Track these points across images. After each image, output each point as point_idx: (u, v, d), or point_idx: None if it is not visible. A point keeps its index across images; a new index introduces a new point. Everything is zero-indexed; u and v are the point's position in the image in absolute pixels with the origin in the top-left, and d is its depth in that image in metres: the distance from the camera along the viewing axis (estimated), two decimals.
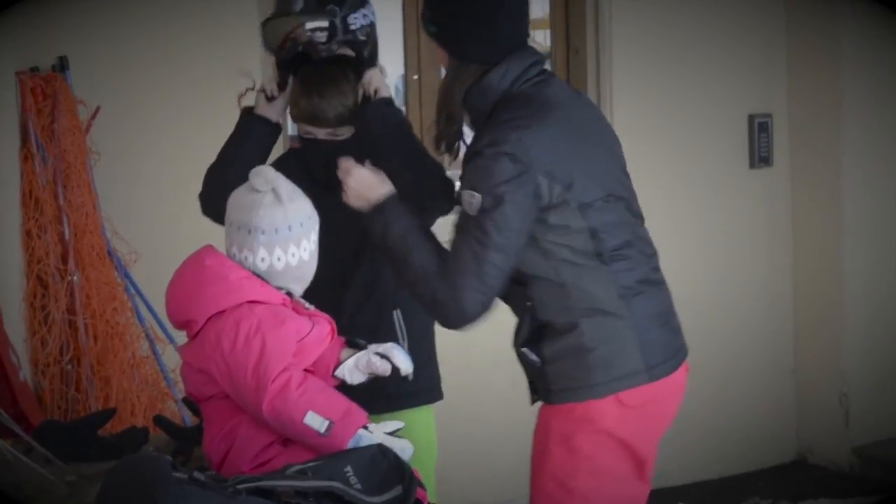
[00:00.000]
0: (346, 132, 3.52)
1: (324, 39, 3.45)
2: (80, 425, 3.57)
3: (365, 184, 3.24)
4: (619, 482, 3.21)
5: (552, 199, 3.07)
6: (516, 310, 3.22)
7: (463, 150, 3.27)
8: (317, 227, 3.10)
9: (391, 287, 3.56)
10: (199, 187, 3.67)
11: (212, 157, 5.11)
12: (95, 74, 5.16)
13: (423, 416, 3.67)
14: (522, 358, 3.22)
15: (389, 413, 3.34)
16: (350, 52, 3.52)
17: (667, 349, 3.22)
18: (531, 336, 3.18)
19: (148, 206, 5.25)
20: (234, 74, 5.20)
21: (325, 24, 3.43)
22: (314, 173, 3.53)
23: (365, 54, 3.52)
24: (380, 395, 3.31)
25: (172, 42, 5.28)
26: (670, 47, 6.09)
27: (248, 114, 3.62)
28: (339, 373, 3.11)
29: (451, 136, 3.28)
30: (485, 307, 3.13)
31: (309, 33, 3.44)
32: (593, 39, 6.01)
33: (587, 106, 3.39)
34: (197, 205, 3.66)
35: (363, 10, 3.51)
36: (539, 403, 3.28)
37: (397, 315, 3.61)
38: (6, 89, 4.84)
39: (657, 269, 3.28)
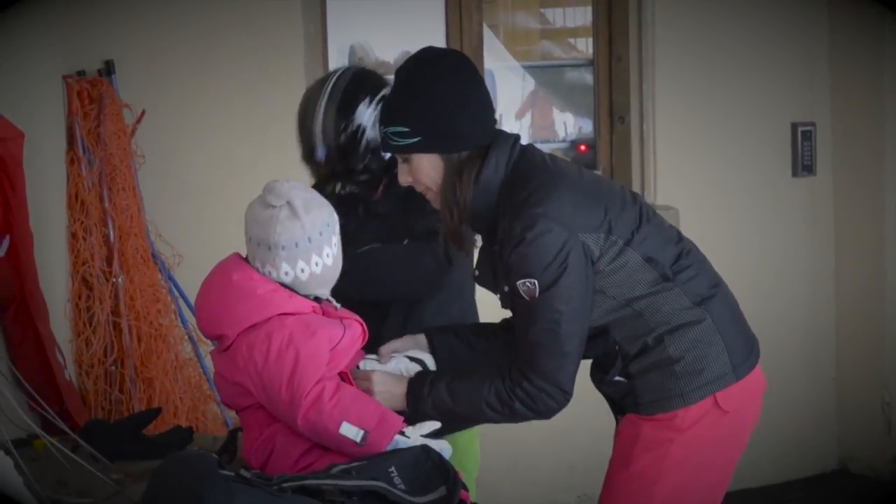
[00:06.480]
0: None
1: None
2: (125, 424, 3.60)
3: (387, 386, 3.16)
4: (702, 488, 3.21)
5: (601, 248, 3.06)
6: (605, 357, 3.17)
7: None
8: (337, 229, 3.05)
9: (428, 314, 3.57)
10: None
11: (255, 160, 5.18)
12: (141, 78, 5.20)
13: (471, 435, 3.66)
14: (609, 386, 3.18)
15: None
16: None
17: (745, 345, 3.21)
18: (622, 367, 3.15)
19: (192, 209, 5.28)
20: (276, 79, 5.29)
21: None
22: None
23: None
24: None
25: (217, 47, 5.31)
26: (713, 55, 6.08)
27: None
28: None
29: (464, 233, 3.20)
30: (575, 374, 3.09)
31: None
32: (636, 47, 6.01)
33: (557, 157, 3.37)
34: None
35: None
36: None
37: None
38: (53, 93, 4.89)
39: (712, 267, 3.27)
